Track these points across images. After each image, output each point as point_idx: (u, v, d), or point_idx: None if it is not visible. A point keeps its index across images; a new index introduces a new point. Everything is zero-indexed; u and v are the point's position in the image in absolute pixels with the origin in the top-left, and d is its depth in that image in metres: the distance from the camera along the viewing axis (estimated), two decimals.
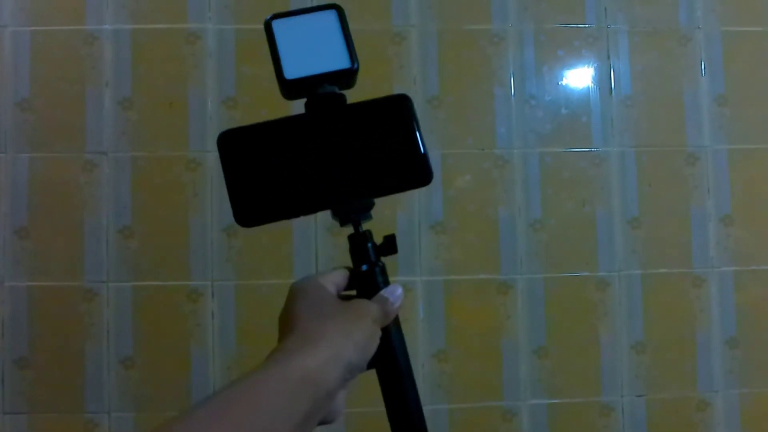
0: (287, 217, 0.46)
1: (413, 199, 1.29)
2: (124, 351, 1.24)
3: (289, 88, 0.47)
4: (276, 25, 0.48)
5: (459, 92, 1.31)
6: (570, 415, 1.28)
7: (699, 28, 1.35)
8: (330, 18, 0.49)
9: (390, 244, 0.49)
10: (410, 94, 1.32)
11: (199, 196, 1.25)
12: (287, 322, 0.43)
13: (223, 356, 1.24)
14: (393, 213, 1.28)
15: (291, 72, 0.46)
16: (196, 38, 1.28)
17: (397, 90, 1.28)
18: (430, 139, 1.30)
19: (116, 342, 1.25)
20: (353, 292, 0.50)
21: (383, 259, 0.50)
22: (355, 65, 0.48)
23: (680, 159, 1.33)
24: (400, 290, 0.48)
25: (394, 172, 0.47)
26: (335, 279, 0.47)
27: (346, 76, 0.48)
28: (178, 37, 1.28)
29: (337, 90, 0.48)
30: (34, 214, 1.25)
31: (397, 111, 0.48)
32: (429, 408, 1.27)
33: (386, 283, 0.48)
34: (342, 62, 0.47)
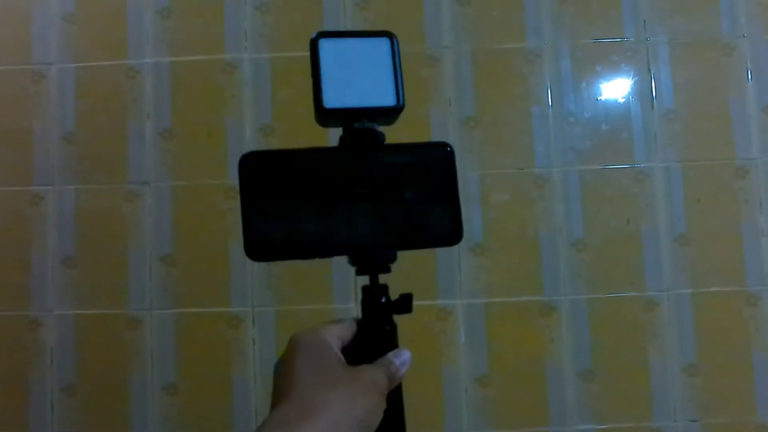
0: (302, 257, 0.42)
1: None
2: (167, 378, 1.26)
3: (325, 116, 0.43)
4: (323, 44, 0.43)
5: (495, 112, 1.29)
6: None
7: (743, 36, 1.31)
8: (382, 47, 0.44)
9: (405, 304, 0.45)
10: (445, 116, 1.31)
11: (239, 223, 1.26)
12: (286, 383, 0.39)
13: (265, 382, 1.24)
14: None
15: (330, 100, 0.42)
16: (233, 68, 1.30)
17: (432, 113, 1.28)
18: (467, 160, 1.29)
19: (159, 369, 1.26)
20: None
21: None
22: (401, 103, 0.44)
23: (729, 172, 1.28)
24: (407, 355, 0.44)
25: (424, 227, 0.44)
26: (341, 333, 0.43)
27: (389, 114, 0.44)
28: (216, 67, 1.30)
29: (376, 126, 0.44)
30: (81, 244, 1.29)
31: (438, 161, 0.44)
32: None
33: (395, 344, 0.44)
34: (387, 98, 0.43)
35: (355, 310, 1.25)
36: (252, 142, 1.29)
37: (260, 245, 0.41)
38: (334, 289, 1.26)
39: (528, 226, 1.28)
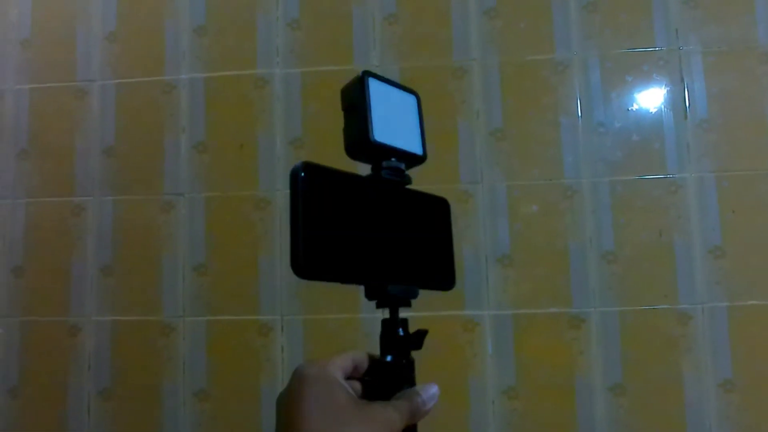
0: (347, 281, 0.41)
1: (478, 231, 1.27)
2: (199, 384, 1.29)
3: (368, 149, 0.44)
4: (371, 83, 0.45)
5: (523, 123, 1.29)
6: None
7: None
8: (411, 102, 0.48)
9: (418, 340, 0.44)
10: (473, 128, 1.32)
11: (269, 233, 1.30)
12: (292, 419, 0.37)
13: None
14: (458, 247, 1.27)
15: (379, 134, 0.43)
16: (265, 83, 1.34)
17: (460, 125, 1.28)
18: (495, 171, 1.29)
19: (191, 375, 1.29)
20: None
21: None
22: (425, 155, 0.47)
23: (765, 183, 1.25)
24: (435, 389, 0.42)
25: (430, 270, 0.47)
26: (345, 365, 0.42)
27: (415, 161, 0.47)
28: (248, 82, 1.34)
29: (403, 167, 0.46)
30: (118, 253, 1.33)
31: (437, 214, 0.49)
32: None
33: (412, 380, 0.44)
34: (416, 147, 0.46)
35: None
36: (283, 154, 1.32)
37: (312, 263, 0.39)
38: (361, 298, 1.27)
39: (556, 237, 1.27)
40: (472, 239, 1.27)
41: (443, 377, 1.31)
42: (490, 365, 1.25)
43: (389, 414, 0.39)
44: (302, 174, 0.39)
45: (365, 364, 0.44)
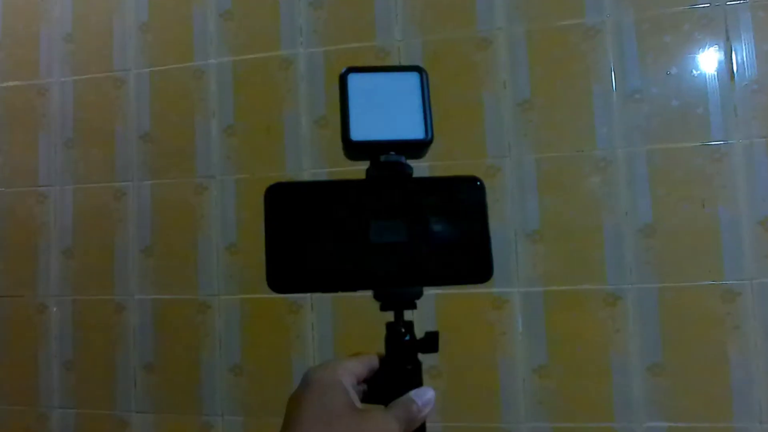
0: (324, 290, 0.42)
1: (507, 206, 1.24)
2: (234, 359, 1.33)
3: (352, 150, 0.43)
4: (351, 79, 0.44)
5: (552, 93, 1.24)
6: None
7: None
8: (411, 81, 0.44)
9: (431, 342, 0.43)
10: (500, 100, 1.28)
11: None
12: (288, 424, 0.38)
13: None
14: None
15: (358, 133, 0.42)
16: (289, 63, 1.35)
17: (486, 97, 1.25)
18: (523, 144, 1.24)
19: (227, 351, 1.34)
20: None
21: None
22: (429, 137, 0.43)
23: None
24: (430, 394, 0.42)
25: (452, 264, 0.42)
26: (356, 369, 0.42)
27: (417, 147, 0.44)
28: (273, 64, 1.36)
29: (403, 160, 0.44)
30: (156, 235, 1.40)
31: (467, 197, 0.44)
32: (530, 426, 1.20)
33: (418, 384, 0.43)
34: (415, 132, 0.43)
35: None
36: (308, 134, 1.33)
37: (283, 277, 0.41)
38: None
39: (589, 211, 1.21)
40: (501, 215, 1.24)
41: (471, 356, 1.29)
42: (520, 343, 1.22)
43: (387, 424, 0.39)
44: (266, 196, 0.41)
45: (374, 365, 0.44)
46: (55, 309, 1.43)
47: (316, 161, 1.30)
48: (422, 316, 1.21)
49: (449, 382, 1.24)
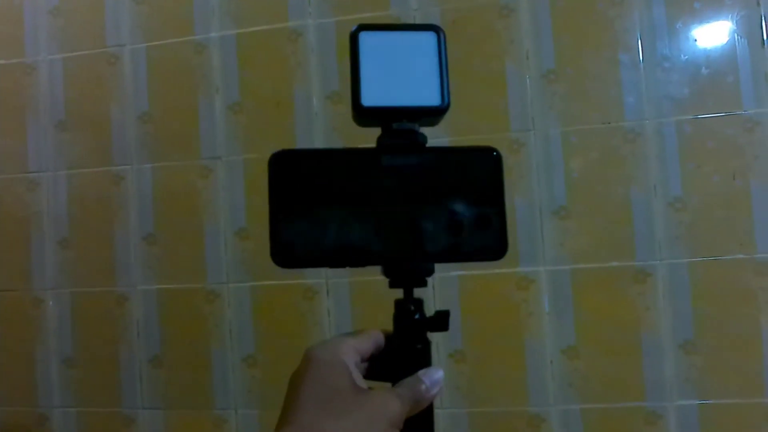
0: (331, 265, 0.40)
1: (531, 182, 1.19)
2: (247, 349, 1.27)
3: (363, 116, 0.40)
4: (363, 38, 0.40)
5: (578, 63, 1.19)
6: (727, 418, 1.12)
7: None
8: (428, 41, 0.41)
9: (441, 321, 0.41)
10: (523, 70, 1.22)
11: None
12: (291, 404, 0.37)
13: None
14: (510, 199, 1.19)
15: (369, 98, 0.39)
16: (298, 35, 1.27)
17: (509, 67, 1.19)
18: (548, 116, 1.19)
19: (238, 341, 1.28)
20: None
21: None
22: (446, 103, 0.40)
23: None
24: (439, 374, 0.40)
25: (465, 240, 0.40)
26: (360, 346, 0.40)
27: (432, 114, 0.41)
28: (281, 36, 1.28)
29: (416, 128, 0.41)
30: (159, 221, 1.32)
31: (483, 168, 0.41)
32: (559, 408, 1.17)
33: (427, 363, 0.41)
34: (430, 98, 0.40)
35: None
36: (320, 111, 1.26)
37: (288, 251, 0.39)
38: None
39: (617, 185, 1.17)
40: (525, 191, 1.19)
41: (497, 339, 1.25)
42: (547, 324, 1.18)
43: (390, 403, 0.37)
44: (270, 163, 0.39)
45: (379, 342, 0.42)
46: (51, 303, 1.35)
47: (329, 139, 1.23)
48: (444, 298, 1.16)
49: (474, 367, 1.19)
